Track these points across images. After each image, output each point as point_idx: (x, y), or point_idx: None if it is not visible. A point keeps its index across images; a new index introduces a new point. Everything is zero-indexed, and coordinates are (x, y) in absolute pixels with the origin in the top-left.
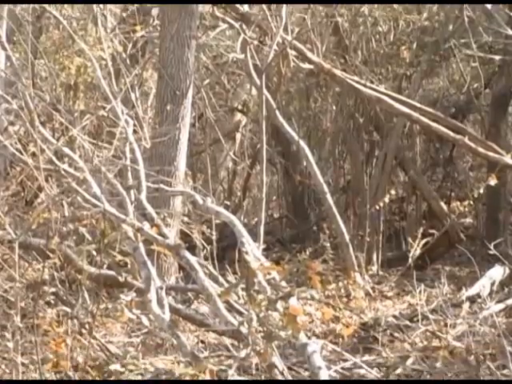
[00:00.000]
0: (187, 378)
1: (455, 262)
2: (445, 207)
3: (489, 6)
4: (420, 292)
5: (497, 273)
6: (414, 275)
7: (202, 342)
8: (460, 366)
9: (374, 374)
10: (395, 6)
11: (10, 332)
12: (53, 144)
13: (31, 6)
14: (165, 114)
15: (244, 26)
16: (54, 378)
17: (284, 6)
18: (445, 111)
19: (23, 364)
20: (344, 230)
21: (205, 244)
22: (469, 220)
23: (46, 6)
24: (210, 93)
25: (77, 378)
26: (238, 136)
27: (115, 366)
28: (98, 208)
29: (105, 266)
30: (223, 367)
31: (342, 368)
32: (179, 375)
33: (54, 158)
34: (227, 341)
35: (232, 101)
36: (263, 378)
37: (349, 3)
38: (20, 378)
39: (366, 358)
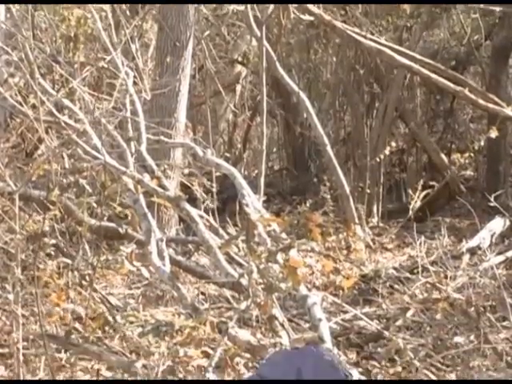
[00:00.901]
0: (187, 331)
1: (455, 214)
2: (445, 159)
3: None
4: (420, 244)
5: (497, 225)
6: (414, 227)
7: (203, 293)
8: (460, 318)
9: (373, 325)
10: None
11: (10, 284)
12: (53, 96)
13: None
14: (165, 66)
15: None
16: (54, 330)
17: None
18: (445, 63)
19: (24, 316)
20: (344, 181)
21: (205, 196)
22: (469, 172)
23: None
24: (210, 44)
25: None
26: (238, 88)
27: (116, 318)
28: (98, 160)
29: (105, 218)
30: (223, 319)
31: (343, 320)
32: (179, 327)
33: (54, 110)
34: (227, 293)
35: (232, 52)
36: (263, 329)
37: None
38: (20, 330)
39: (366, 309)
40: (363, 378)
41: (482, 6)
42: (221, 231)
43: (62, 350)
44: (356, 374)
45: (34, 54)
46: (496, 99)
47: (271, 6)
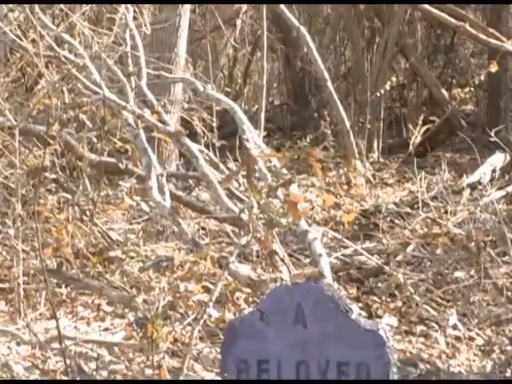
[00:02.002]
0: (188, 266)
1: (456, 149)
2: (446, 94)
3: None
4: (420, 179)
5: (497, 159)
6: (414, 162)
7: (203, 228)
8: (460, 253)
9: (374, 260)
10: None
11: (10, 219)
12: (52, 30)
13: None
14: None
15: None
16: (55, 265)
17: None
18: None
19: (24, 251)
20: (345, 116)
21: (205, 131)
22: (470, 107)
23: None
24: None
25: (78, 265)
26: (239, 22)
27: (116, 253)
28: (98, 95)
29: (105, 153)
30: (224, 254)
31: (343, 255)
32: (180, 262)
33: (54, 45)
34: (228, 228)
35: None
36: (264, 265)
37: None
38: (21, 266)
39: (367, 244)
40: (363, 313)
41: None
42: (221, 166)
43: (63, 285)
44: (356, 310)
45: None
46: (497, 34)
47: None
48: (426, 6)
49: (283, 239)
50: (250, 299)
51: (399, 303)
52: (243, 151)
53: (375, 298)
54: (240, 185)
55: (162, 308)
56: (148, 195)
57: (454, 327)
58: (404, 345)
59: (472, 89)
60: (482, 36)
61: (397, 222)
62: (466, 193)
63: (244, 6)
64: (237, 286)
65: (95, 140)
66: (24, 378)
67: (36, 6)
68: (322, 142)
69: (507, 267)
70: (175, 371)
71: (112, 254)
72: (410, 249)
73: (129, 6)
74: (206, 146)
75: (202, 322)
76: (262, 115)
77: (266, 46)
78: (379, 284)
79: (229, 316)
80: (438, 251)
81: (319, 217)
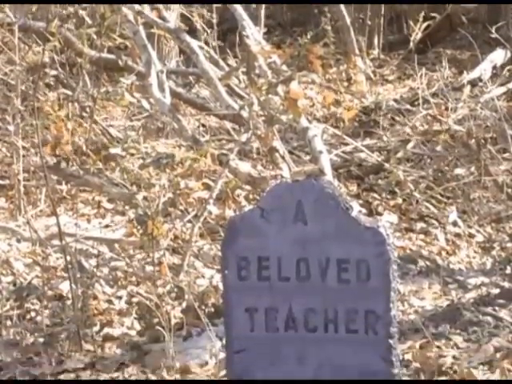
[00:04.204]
0: (188, 163)
1: (456, 46)
2: None
3: None
4: (421, 76)
5: (498, 56)
6: (415, 59)
7: (203, 125)
8: (461, 150)
9: (374, 157)
10: None
11: (10, 115)
12: None
13: None
14: None
15: None
16: (55, 162)
17: None
18: None
19: (24, 147)
20: (345, 13)
21: (205, 27)
22: (470, 3)
23: None
24: None
25: (78, 162)
26: None
27: (116, 150)
28: None
29: (105, 50)
30: (224, 151)
31: (343, 152)
32: (180, 159)
33: None
34: (228, 125)
35: None
36: (264, 162)
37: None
38: (21, 162)
39: (367, 141)
40: (364, 210)
41: None
42: (221, 63)
43: (63, 182)
44: (356, 207)
45: None
46: None
47: None
48: None
49: (283, 136)
50: (251, 196)
51: (399, 200)
52: (243, 48)
53: (375, 195)
54: (240, 82)
55: (162, 205)
56: (148, 92)
57: (454, 224)
58: (404, 242)
59: None
60: None
61: (397, 118)
62: (467, 89)
63: None
64: (237, 183)
65: (95, 36)
66: (24, 275)
67: None
68: (323, 39)
69: (507, 164)
70: (176, 268)
71: (112, 151)
72: (410, 146)
73: None
74: (206, 43)
75: (202, 219)
76: (262, 12)
77: None
78: (379, 181)
79: (229, 213)
80: (439, 148)
81: (319, 114)
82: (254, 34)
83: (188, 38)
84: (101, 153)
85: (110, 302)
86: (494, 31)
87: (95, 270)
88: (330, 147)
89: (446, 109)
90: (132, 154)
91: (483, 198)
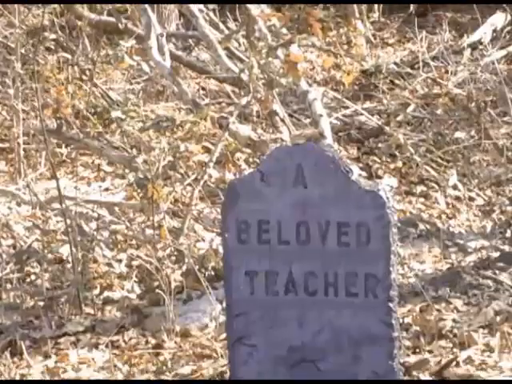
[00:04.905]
0: (188, 126)
1: (457, 9)
2: None
3: None
4: (421, 39)
5: (498, 19)
6: (415, 22)
7: (203, 89)
8: (461, 113)
9: (374, 121)
10: None
11: (10, 78)
12: None
13: None
14: None
15: None
16: (55, 125)
17: None
18: None
19: (24, 111)
20: None
21: None
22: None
23: None
24: None
25: (78, 125)
26: None
27: (116, 113)
28: None
29: (105, 13)
30: (224, 114)
31: (343, 115)
32: (180, 122)
33: None
34: (228, 88)
35: None
36: (264, 125)
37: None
38: (21, 125)
39: (367, 105)
40: (364, 174)
41: None
42: (221, 26)
43: (63, 145)
44: (356, 170)
45: None
46: None
47: None
48: None
49: (283, 99)
50: (251, 160)
51: (399, 164)
52: (243, 11)
53: (375, 159)
54: (240, 45)
55: (162, 168)
56: (148, 55)
57: (454, 187)
58: (404, 205)
59: None
60: None
61: (397, 82)
62: (467, 53)
63: None
64: (237, 146)
65: None
66: (24, 238)
67: None
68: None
69: (507, 127)
70: (176, 231)
71: (112, 114)
72: (410, 109)
73: None
74: (206, 6)
75: (202, 182)
76: None
77: None
78: (379, 144)
79: (229, 176)
80: (439, 111)
81: (319, 77)
82: None
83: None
84: (102, 116)
85: (109, 265)
86: None
87: (95, 233)
88: (329, 110)
89: (446, 72)
90: (132, 118)
91: (483, 162)
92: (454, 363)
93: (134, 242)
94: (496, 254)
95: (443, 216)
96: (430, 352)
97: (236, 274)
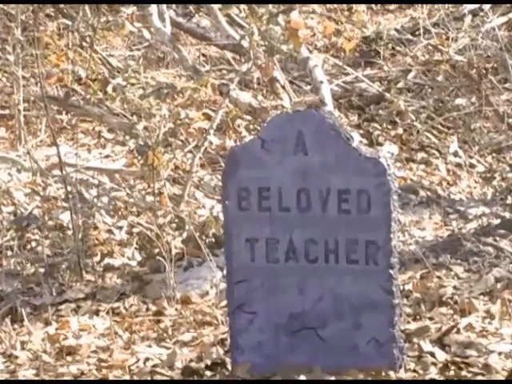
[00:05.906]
0: (188, 93)
1: None
2: None
3: None
4: (422, 5)
5: None
6: None
7: (204, 55)
8: (462, 80)
9: (375, 87)
10: None
11: (10, 45)
12: None
13: None
14: None
15: None
16: (55, 92)
17: None
18: None
19: (24, 77)
20: None
21: None
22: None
23: None
24: None
25: (79, 91)
26: None
27: (117, 80)
28: None
29: None
30: (225, 81)
31: (344, 82)
32: (180, 89)
33: None
34: (229, 55)
35: None
36: (265, 92)
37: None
38: (21, 92)
39: (368, 71)
40: (364, 141)
41: None
42: None
43: (64, 112)
44: (357, 137)
45: None
46: None
47: None
48: None
49: (284, 66)
50: (251, 127)
51: (400, 130)
52: None
53: (376, 126)
54: (241, 11)
55: (162, 135)
56: (148, 21)
57: (455, 154)
58: (405, 172)
59: None
60: None
61: (398, 48)
62: (468, 19)
63: None
64: (238, 113)
65: None
66: (24, 205)
67: None
68: None
69: (508, 94)
70: (176, 198)
71: (112, 81)
72: (411, 76)
73: None
74: None
75: (202, 149)
76: None
77: None
78: (380, 111)
79: (230, 143)
80: (439, 78)
81: (320, 44)
82: None
83: None
84: (103, 82)
85: (110, 232)
86: None
87: (95, 200)
88: (330, 77)
89: (447, 39)
90: (132, 84)
91: (484, 128)
92: (455, 330)
93: (134, 208)
94: (497, 221)
95: (444, 183)
96: (430, 319)
97: (236, 240)
